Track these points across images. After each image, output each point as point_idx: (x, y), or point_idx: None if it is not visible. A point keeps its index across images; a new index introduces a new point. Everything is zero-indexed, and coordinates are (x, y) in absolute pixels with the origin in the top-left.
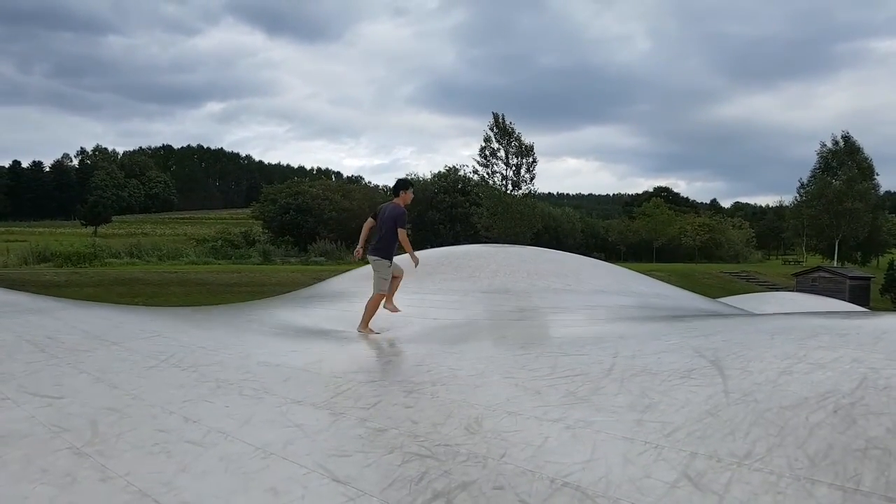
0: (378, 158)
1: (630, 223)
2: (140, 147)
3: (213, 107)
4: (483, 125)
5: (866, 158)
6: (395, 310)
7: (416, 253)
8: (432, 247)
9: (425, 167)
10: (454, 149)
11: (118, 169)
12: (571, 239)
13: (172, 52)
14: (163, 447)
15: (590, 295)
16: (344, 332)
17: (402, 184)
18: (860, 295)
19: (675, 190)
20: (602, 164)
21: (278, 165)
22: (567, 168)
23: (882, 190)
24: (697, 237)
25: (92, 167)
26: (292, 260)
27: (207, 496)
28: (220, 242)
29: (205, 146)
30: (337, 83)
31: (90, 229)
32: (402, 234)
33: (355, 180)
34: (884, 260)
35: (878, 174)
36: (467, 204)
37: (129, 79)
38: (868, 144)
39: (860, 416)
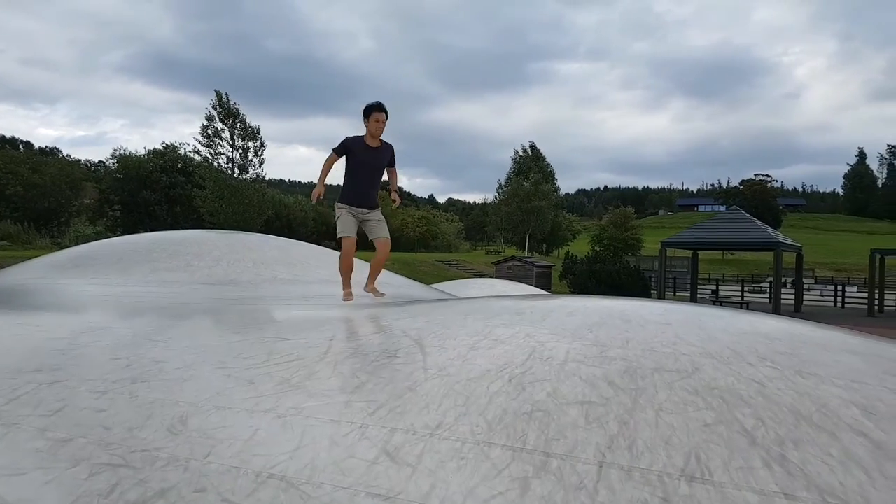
0: (81, 129)
1: None
2: None
3: None
4: (206, 103)
5: (548, 164)
6: (372, 292)
7: (135, 237)
8: (145, 230)
9: (139, 142)
10: (174, 125)
11: None
12: (304, 228)
13: None
14: None
15: (318, 285)
16: (27, 322)
17: (364, 110)
18: (544, 280)
19: (399, 185)
20: None
21: None
22: (298, 156)
23: (562, 192)
24: (417, 229)
25: None
26: None
27: None
28: None
29: None
30: (28, 41)
31: None
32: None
33: (50, 152)
34: (563, 251)
35: (557, 179)
36: (189, 185)
37: None
38: (553, 152)
39: (528, 383)
